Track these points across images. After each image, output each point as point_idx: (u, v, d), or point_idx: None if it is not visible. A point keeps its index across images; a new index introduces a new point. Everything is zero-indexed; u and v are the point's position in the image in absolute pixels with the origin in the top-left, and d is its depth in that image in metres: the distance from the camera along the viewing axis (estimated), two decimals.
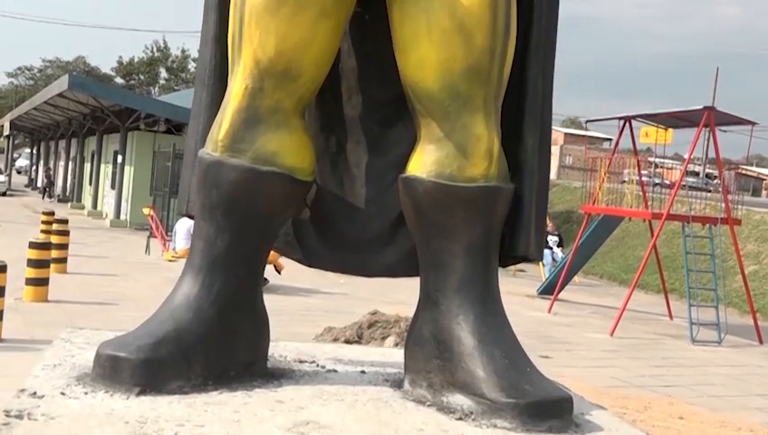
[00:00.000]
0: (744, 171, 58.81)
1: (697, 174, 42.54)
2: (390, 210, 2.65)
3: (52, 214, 19.28)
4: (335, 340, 7.11)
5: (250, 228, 2.41)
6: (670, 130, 16.77)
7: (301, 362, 2.78)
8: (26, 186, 53.01)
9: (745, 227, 20.15)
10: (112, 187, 29.64)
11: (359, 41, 2.73)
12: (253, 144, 2.37)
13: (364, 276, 2.79)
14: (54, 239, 14.62)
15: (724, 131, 21.49)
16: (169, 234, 19.66)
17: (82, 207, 34.39)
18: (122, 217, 27.98)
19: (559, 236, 21.45)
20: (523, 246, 2.55)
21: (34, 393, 2.14)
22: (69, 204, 35.94)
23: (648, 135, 19.68)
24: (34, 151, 57.25)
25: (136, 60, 77.26)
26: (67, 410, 2.00)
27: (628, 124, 15.50)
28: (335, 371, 2.70)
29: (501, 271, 2.59)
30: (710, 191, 24.25)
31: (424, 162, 2.41)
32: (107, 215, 30.01)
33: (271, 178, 2.36)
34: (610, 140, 68.61)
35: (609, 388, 9.35)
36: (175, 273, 13.51)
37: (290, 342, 3.15)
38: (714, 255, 14.43)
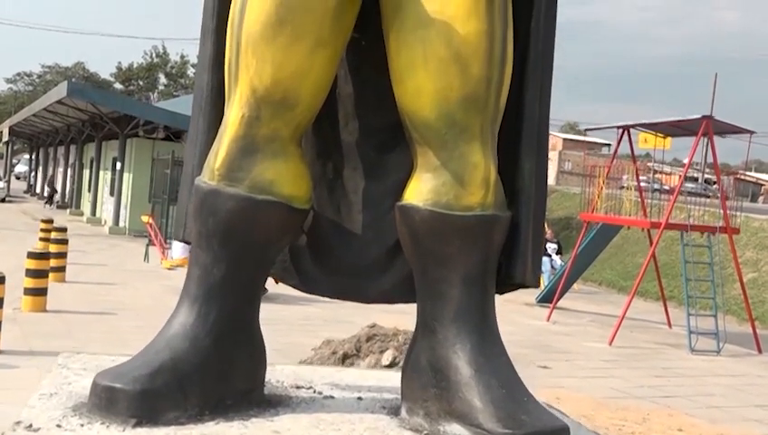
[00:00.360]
0: (742, 177, 58.88)
1: (696, 179, 42.63)
2: (387, 236, 2.65)
3: (51, 222, 19.30)
4: (333, 353, 7.11)
5: (246, 257, 2.40)
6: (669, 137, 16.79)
7: (298, 387, 2.77)
8: (25, 192, 53.02)
9: (744, 235, 20.16)
10: (111, 193, 29.64)
11: (355, 66, 2.73)
12: (249, 173, 2.37)
13: (361, 302, 2.80)
14: (53, 248, 14.64)
15: (724, 137, 21.52)
16: (168, 241, 19.65)
17: (81, 214, 34.40)
18: (121, 223, 27.99)
19: (558, 243, 21.45)
20: (520, 274, 2.54)
21: (30, 426, 2.13)
22: (68, 210, 35.95)
23: (647, 141, 19.70)
24: (33, 157, 57.26)
25: (135, 65, 77.35)
26: None
27: (626, 133, 15.51)
28: (332, 397, 2.70)
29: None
30: (709, 197, 24.27)
31: (420, 191, 2.41)
32: (106, 222, 30.02)
33: (267, 207, 2.36)
34: (609, 145, 68.75)
35: (608, 399, 9.35)
36: (173, 281, 13.59)
37: (287, 365, 3.15)
38: (712, 264, 14.43)
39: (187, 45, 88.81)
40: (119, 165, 28.29)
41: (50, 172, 44.04)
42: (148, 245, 20.17)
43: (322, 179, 2.75)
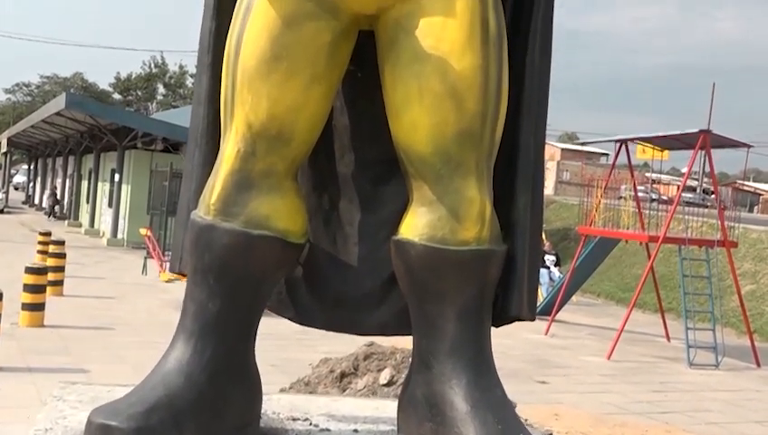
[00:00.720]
0: (741, 186, 58.93)
1: (694, 189, 42.62)
2: (383, 268, 2.65)
3: (49, 234, 19.28)
4: (331, 371, 7.09)
5: (242, 292, 2.41)
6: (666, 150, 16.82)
7: (294, 419, 2.77)
8: (24, 202, 52.98)
9: (742, 246, 20.14)
10: (109, 205, 29.63)
11: (351, 99, 2.74)
12: (245, 208, 2.37)
13: (357, 334, 2.80)
14: (51, 262, 14.63)
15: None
16: (166, 254, 19.63)
17: (80, 225, 34.38)
18: (119, 235, 27.97)
19: (556, 255, 21.43)
20: (515, 307, 2.54)
21: None
22: (66, 222, 35.93)
23: (645, 151, 19.75)
24: (32, 168, 57.24)
25: (134, 76, 77.40)
26: None
27: (624, 146, 15.54)
28: (328, 429, 2.70)
29: None
30: (707, 207, 24.26)
31: (416, 225, 2.41)
32: (104, 233, 30.00)
33: (263, 242, 2.36)
34: (608, 154, 68.84)
35: (606, 415, 9.33)
36: (171, 294, 13.56)
37: (283, 395, 3.14)
38: (710, 277, 14.43)
39: (185, 56, 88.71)
40: (117, 177, 28.30)
41: (53, 183, 43.74)
42: (146, 257, 20.16)
43: (318, 211, 2.75)
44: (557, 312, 16.37)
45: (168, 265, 18.41)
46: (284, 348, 10.84)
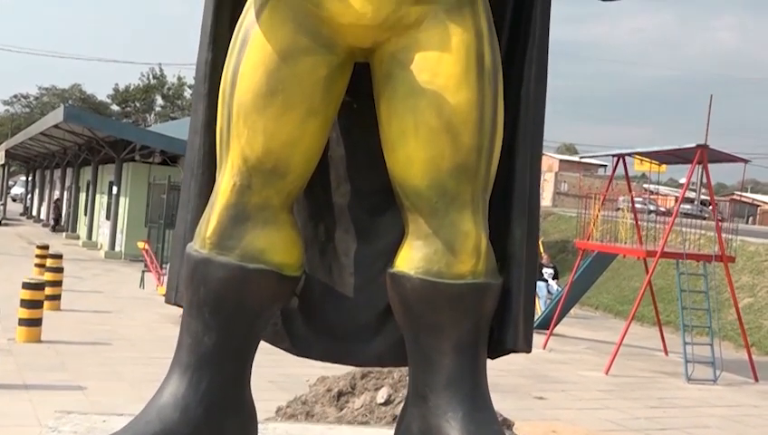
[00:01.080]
0: (739, 198, 59.03)
1: (692, 201, 42.66)
2: (379, 300, 2.64)
3: (47, 248, 19.25)
4: (329, 390, 7.08)
5: (238, 326, 2.40)
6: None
7: None
8: (21, 214, 52.95)
9: (740, 259, 20.15)
10: (107, 217, 29.63)
11: (347, 129, 2.74)
12: (240, 241, 2.38)
13: (353, 366, 2.79)
14: (48, 277, 14.60)
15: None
16: (164, 267, 19.62)
17: (77, 238, 34.36)
18: (117, 248, 27.95)
19: (554, 268, 21.42)
20: (511, 340, 2.54)
21: None
22: (64, 234, 35.91)
23: (643, 163, 19.77)
24: (30, 179, 57.24)
25: (132, 87, 77.45)
26: None
27: (622, 161, 15.57)
28: None
29: None
30: (705, 218, 24.27)
31: (411, 258, 2.41)
32: (102, 246, 29.98)
33: (259, 276, 2.37)
34: (606, 166, 68.96)
35: (604, 432, 9.31)
36: (168, 309, 13.46)
37: (279, 423, 3.14)
38: (708, 292, 14.43)
39: (183, 68, 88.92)
40: (115, 189, 28.30)
41: (56, 195, 43.50)
42: (143, 271, 20.14)
43: (314, 242, 2.75)
44: (555, 325, 16.36)
45: (165, 278, 18.42)
46: (282, 364, 10.78)
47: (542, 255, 20.87)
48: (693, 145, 14.10)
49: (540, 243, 15.36)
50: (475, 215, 2.41)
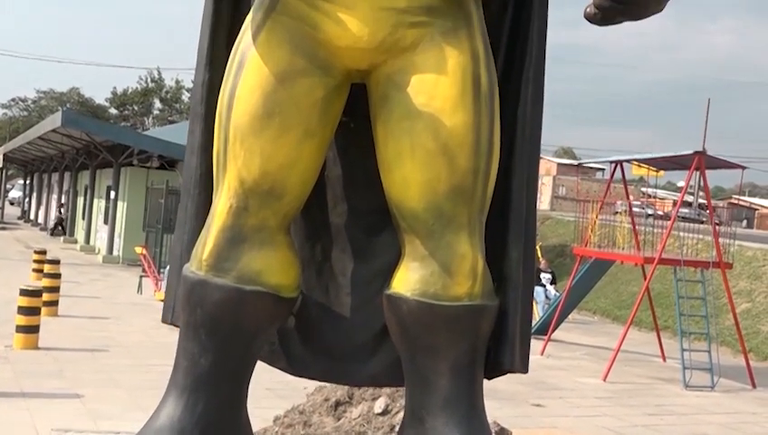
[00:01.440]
0: (737, 201, 59.03)
1: (690, 204, 42.66)
2: (375, 320, 2.65)
3: (45, 253, 19.23)
4: (326, 400, 7.05)
5: (234, 347, 2.41)
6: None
7: None
8: (19, 218, 52.89)
9: (738, 264, 20.13)
10: (105, 222, 29.58)
11: (344, 149, 2.75)
12: (237, 263, 2.38)
13: (349, 385, 2.79)
14: (46, 283, 14.57)
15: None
16: (161, 272, 19.59)
17: (75, 242, 34.30)
18: (115, 252, 27.91)
19: (552, 273, 21.41)
20: (508, 361, 2.55)
21: None
22: (62, 238, 35.86)
23: (641, 168, 19.78)
24: (27, 183, 57.20)
25: (130, 91, 77.37)
26: None
27: (619, 167, 15.57)
28: None
29: None
30: (703, 222, 24.26)
31: (408, 280, 2.42)
32: (99, 250, 29.94)
33: (255, 298, 2.37)
34: (603, 169, 68.92)
35: None
36: None
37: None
38: (706, 299, 14.42)
39: (182, 72, 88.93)
40: (113, 193, 28.28)
41: (58, 199, 43.15)
42: (141, 276, 20.12)
43: (311, 262, 2.75)
44: (553, 331, 16.34)
45: (163, 283, 18.40)
46: (279, 371, 10.81)
47: (540, 259, 20.85)
48: (690, 152, 14.10)
49: (538, 247, 15.37)
50: (471, 237, 2.41)
